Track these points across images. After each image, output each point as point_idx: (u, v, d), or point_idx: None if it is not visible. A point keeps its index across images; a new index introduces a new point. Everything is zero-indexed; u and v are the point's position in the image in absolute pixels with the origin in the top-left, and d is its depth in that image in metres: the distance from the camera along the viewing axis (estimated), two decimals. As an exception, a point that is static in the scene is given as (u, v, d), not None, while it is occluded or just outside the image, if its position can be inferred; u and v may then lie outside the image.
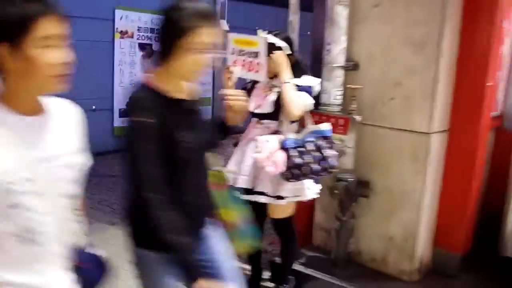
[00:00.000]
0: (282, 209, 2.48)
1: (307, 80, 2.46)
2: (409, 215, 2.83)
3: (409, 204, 2.82)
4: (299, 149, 2.35)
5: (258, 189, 2.37)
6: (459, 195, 2.89)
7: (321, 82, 2.71)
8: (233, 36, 2.48)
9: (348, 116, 2.80)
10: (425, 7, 2.63)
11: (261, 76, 2.36)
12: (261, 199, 2.37)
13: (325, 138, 2.40)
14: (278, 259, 2.94)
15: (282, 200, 2.39)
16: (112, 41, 6.12)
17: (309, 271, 2.94)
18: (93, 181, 5.21)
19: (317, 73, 2.84)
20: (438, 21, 2.60)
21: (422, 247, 2.90)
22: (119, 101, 6.33)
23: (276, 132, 2.43)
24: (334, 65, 2.87)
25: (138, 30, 6.38)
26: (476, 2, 2.69)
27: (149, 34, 6.54)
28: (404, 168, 2.82)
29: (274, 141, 2.29)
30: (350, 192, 2.84)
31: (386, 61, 2.83)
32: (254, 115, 2.48)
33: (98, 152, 6.33)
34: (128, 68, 6.38)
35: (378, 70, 2.87)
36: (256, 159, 2.28)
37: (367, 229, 3.00)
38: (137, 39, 6.41)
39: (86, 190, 1.32)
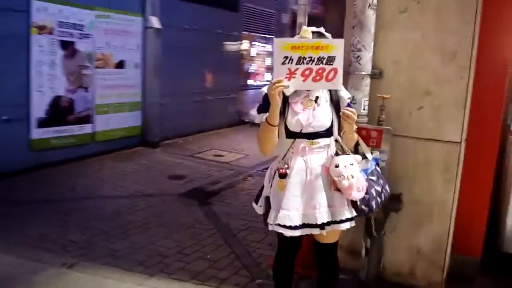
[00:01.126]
0: (336, 233, 2.20)
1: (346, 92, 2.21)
2: (439, 226, 2.78)
3: (439, 214, 2.77)
4: (371, 177, 2.16)
5: (339, 217, 2.03)
6: (478, 200, 2.95)
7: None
8: (282, 42, 1.96)
9: (382, 128, 2.64)
10: (458, 15, 2.59)
11: (336, 84, 1.98)
12: (345, 226, 2.05)
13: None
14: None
15: (352, 221, 2.11)
16: (27, 38, 5.06)
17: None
18: (20, 210, 4.18)
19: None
20: (471, 30, 2.58)
21: (449, 255, 2.89)
22: (38, 108, 5.28)
23: (337, 153, 2.12)
24: (363, 73, 2.68)
25: (59, 25, 5.39)
26: (494, 12, 2.74)
27: (72, 30, 5.59)
28: (433, 178, 2.75)
29: (356, 163, 2.00)
30: (385, 208, 2.69)
31: (413, 69, 2.72)
32: (300, 135, 2.06)
33: (13, 172, 5.24)
34: (47, 70, 5.34)
35: (405, 79, 2.75)
36: (346, 186, 1.95)
37: (393, 243, 2.88)
38: (58, 35, 5.41)
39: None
